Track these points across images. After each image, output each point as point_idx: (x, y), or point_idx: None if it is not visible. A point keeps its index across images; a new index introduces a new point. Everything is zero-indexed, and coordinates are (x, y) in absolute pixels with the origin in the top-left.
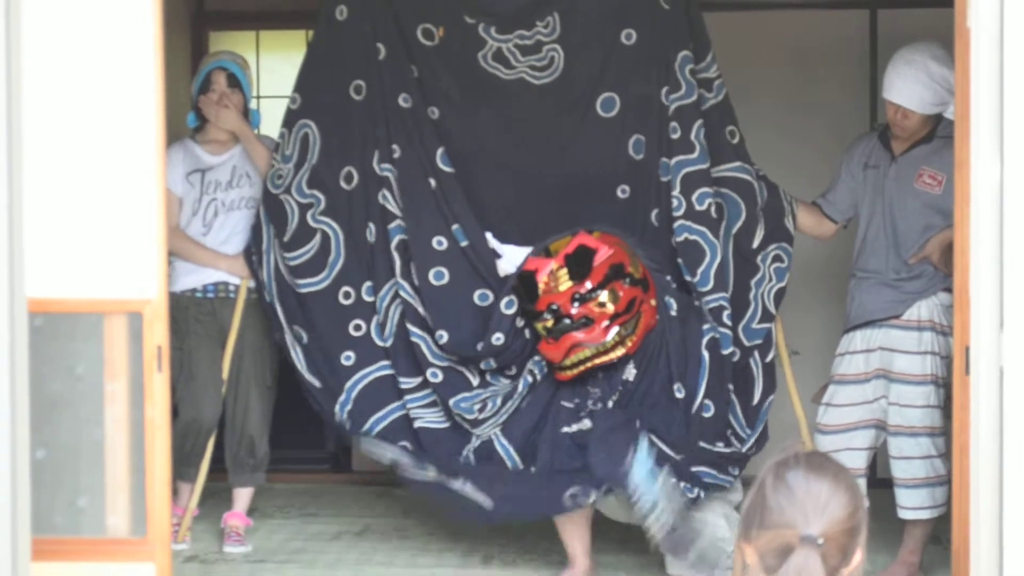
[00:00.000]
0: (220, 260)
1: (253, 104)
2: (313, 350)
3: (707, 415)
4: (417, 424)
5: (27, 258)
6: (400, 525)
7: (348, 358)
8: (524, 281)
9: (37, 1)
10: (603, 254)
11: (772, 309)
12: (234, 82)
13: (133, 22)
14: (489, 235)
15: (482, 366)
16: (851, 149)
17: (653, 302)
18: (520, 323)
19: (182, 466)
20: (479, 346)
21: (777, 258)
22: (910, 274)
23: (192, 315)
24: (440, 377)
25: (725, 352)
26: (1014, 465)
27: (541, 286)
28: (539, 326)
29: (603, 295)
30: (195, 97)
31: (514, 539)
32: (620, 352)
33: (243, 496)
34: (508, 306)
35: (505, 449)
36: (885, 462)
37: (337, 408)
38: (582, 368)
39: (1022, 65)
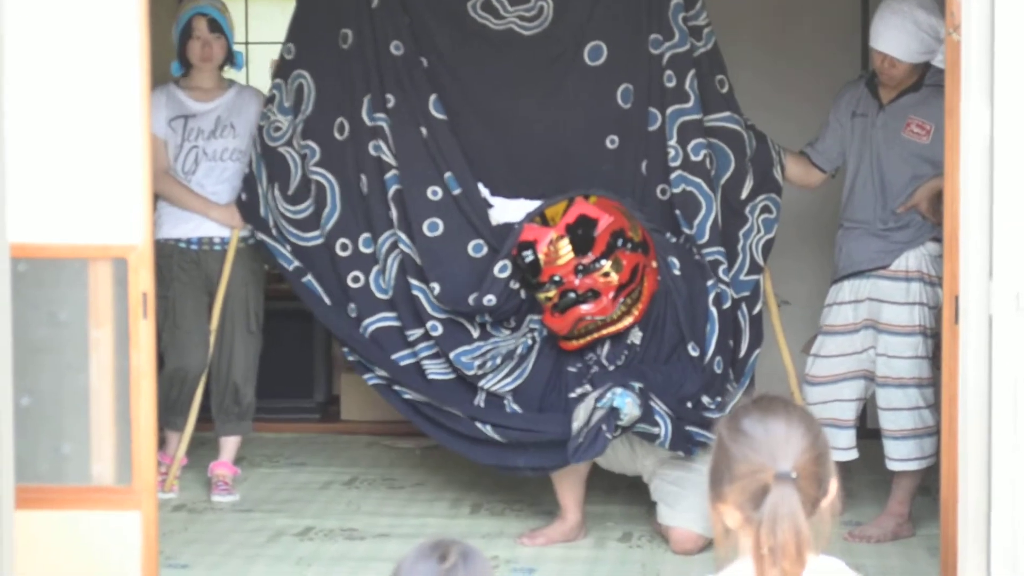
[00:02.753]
0: (211, 208)
1: (240, 48)
2: (319, 285)
3: (718, 371)
4: (429, 376)
5: (10, 203)
6: (389, 475)
7: (352, 310)
8: (526, 251)
9: None
10: (604, 223)
11: (760, 260)
12: (216, 27)
13: None
14: (480, 185)
15: (478, 320)
16: (839, 98)
17: (655, 264)
18: (514, 285)
19: (169, 415)
20: (471, 300)
21: (765, 209)
22: (898, 224)
23: (176, 263)
24: (440, 330)
25: (726, 307)
26: (1002, 414)
27: (542, 257)
28: (542, 296)
29: (607, 265)
30: (176, 43)
31: (503, 489)
32: (628, 321)
33: (230, 445)
34: (502, 270)
35: (515, 412)
36: (874, 413)
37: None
38: (590, 339)
39: (1012, 13)
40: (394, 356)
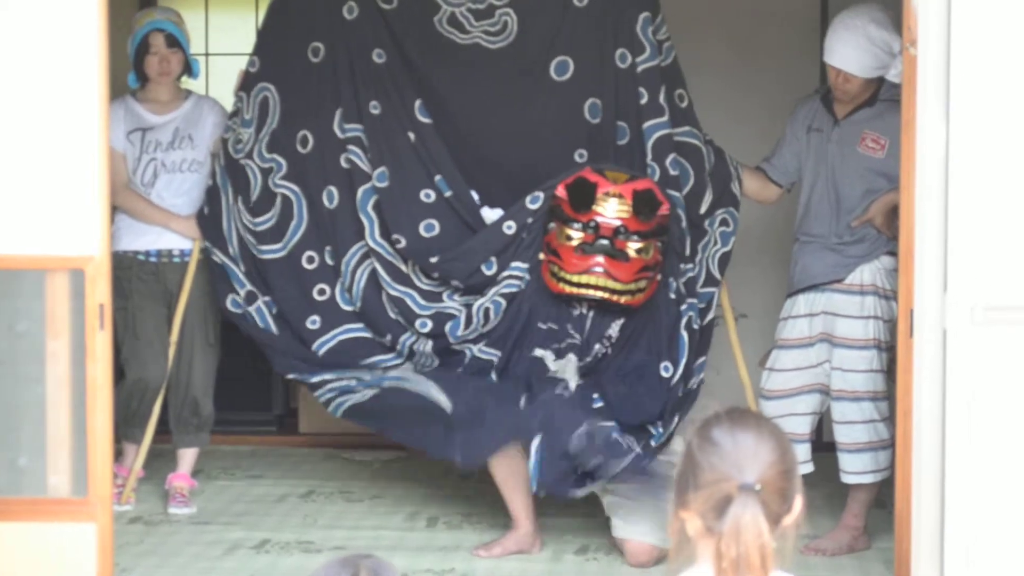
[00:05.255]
0: (172, 220)
1: (199, 58)
2: (268, 313)
3: (681, 394)
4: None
5: None
6: (346, 488)
7: (314, 322)
8: (581, 188)
9: None
10: (663, 210)
11: (717, 274)
12: (173, 42)
13: None
14: (472, 192)
15: (444, 296)
16: (794, 113)
17: (659, 277)
18: (509, 229)
19: (128, 426)
20: (433, 259)
21: (724, 222)
22: (853, 238)
23: (135, 274)
24: (429, 325)
25: (696, 327)
26: (956, 427)
27: (597, 200)
28: (568, 232)
29: (641, 244)
30: (132, 57)
31: (460, 502)
32: (625, 299)
33: (188, 457)
34: (533, 201)
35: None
36: (830, 427)
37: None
38: (585, 292)
39: (968, 28)
40: (368, 360)
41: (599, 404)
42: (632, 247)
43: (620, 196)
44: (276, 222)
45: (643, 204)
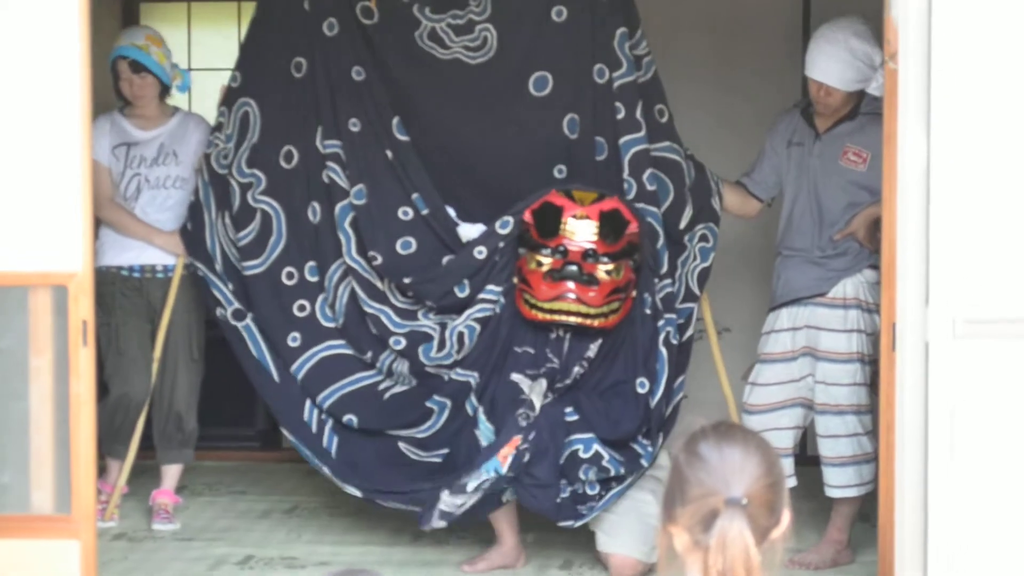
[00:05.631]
0: (155, 235)
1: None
2: (256, 330)
3: (659, 411)
4: (387, 396)
5: None
6: (330, 503)
7: (294, 339)
8: (547, 213)
9: None
10: (632, 229)
11: (696, 289)
12: (138, 67)
13: None
14: (448, 208)
15: (419, 314)
16: (774, 127)
17: (634, 293)
18: (480, 255)
19: (112, 442)
20: (407, 279)
21: (703, 238)
22: (835, 251)
23: (119, 290)
24: (403, 343)
25: (674, 342)
26: (938, 440)
27: (563, 225)
28: (538, 258)
29: (611, 265)
30: (111, 73)
31: None
32: (599, 322)
33: (171, 473)
34: (503, 226)
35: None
36: (814, 440)
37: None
38: (557, 318)
39: (949, 42)
40: (348, 379)
41: (573, 417)
42: (602, 269)
43: (587, 218)
44: (255, 237)
45: (609, 226)
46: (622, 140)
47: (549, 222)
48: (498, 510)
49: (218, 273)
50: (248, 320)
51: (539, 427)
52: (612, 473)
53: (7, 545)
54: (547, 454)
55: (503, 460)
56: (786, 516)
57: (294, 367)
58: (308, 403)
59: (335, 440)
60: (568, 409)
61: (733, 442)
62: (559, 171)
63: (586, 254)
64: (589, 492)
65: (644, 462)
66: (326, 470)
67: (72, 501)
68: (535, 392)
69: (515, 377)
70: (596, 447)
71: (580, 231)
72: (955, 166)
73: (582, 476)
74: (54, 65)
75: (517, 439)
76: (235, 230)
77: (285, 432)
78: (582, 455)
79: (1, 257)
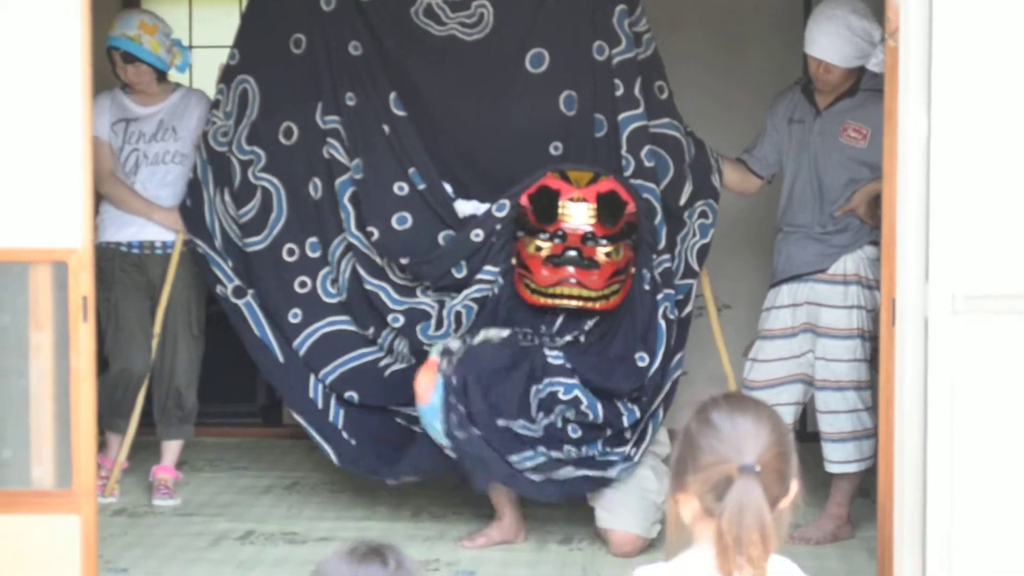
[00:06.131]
0: (154, 211)
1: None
2: (258, 307)
3: (654, 383)
4: (387, 372)
5: None
6: (330, 479)
7: (295, 315)
8: (544, 197)
9: None
10: (630, 208)
11: (695, 265)
12: (129, 58)
13: None
14: (444, 184)
15: (418, 291)
16: (774, 104)
17: (633, 270)
18: (477, 237)
19: (113, 417)
20: (441, 238)
21: (703, 214)
22: (836, 227)
23: (118, 266)
24: (401, 321)
25: (672, 318)
26: (938, 416)
27: (560, 208)
28: (537, 243)
29: (611, 247)
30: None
31: (444, 493)
32: (600, 304)
33: (172, 449)
34: (500, 209)
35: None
36: (814, 416)
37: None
38: (559, 302)
39: (949, 19)
40: (350, 355)
41: (558, 361)
42: (601, 252)
43: (584, 200)
44: (256, 214)
45: (607, 209)
46: (620, 116)
47: (546, 206)
48: (499, 486)
49: (218, 250)
50: (249, 297)
51: (479, 356)
52: (591, 418)
53: (8, 520)
54: (498, 385)
55: (423, 392)
56: (794, 485)
57: (296, 343)
58: (312, 379)
59: (341, 414)
60: (554, 353)
61: (745, 411)
62: (555, 148)
63: (585, 237)
64: (572, 435)
65: (625, 421)
66: (331, 455)
67: (72, 476)
68: (490, 334)
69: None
70: (577, 392)
71: (578, 214)
72: (956, 142)
73: (557, 419)
74: (54, 42)
75: (434, 360)
76: (236, 207)
77: (291, 411)
78: (561, 396)
79: (1, 233)
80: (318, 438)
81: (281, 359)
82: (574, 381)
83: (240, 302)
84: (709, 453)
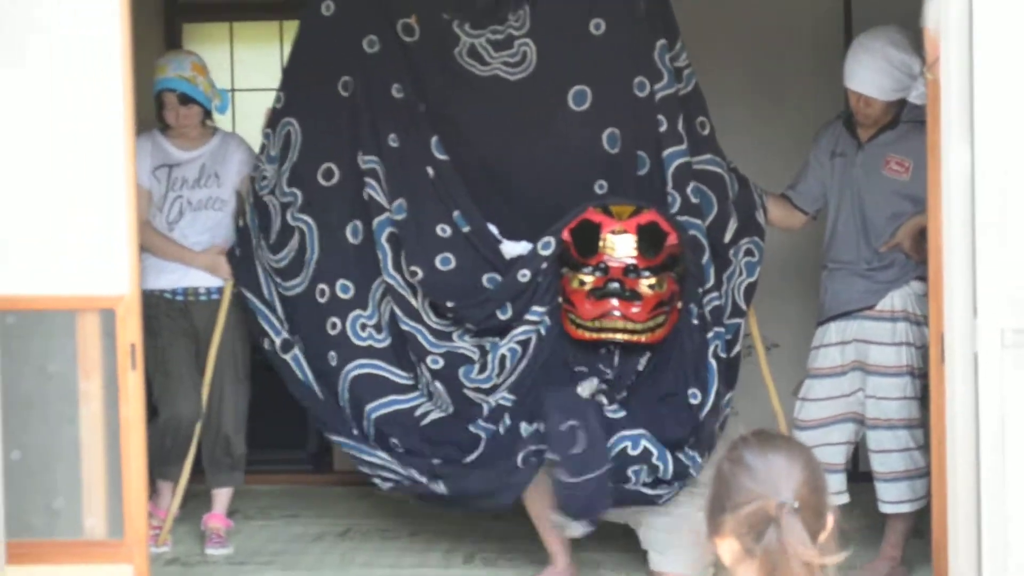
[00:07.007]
0: (193, 258)
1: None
2: (303, 355)
3: (709, 424)
4: (425, 421)
5: None
6: (382, 525)
7: (332, 358)
8: (586, 231)
9: None
10: (671, 240)
11: (742, 304)
12: (185, 99)
13: (101, 15)
14: (490, 225)
15: (455, 336)
16: (817, 138)
17: (679, 304)
18: (524, 277)
19: (163, 465)
20: (485, 280)
21: (748, 252)
22: (881, 263)
23: (164, 311)
24: (441, 363)
25: (724, 357)
26: (990, 453)
27: (602, 242)
28: (580, 277)
29: (654, 279)
30: (155, 99)
31: (496, 539)
32: (646, 337)
33: (222, 497)
34: (545, 247)
35: (515, 413)
36: (866, 456)
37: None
38: (603, 336)
39: (989, 52)
40: (381, 401)
41: (619, 415)
42: (644, 283)
43: (625, 232)
44: (295, 255)
45: (648, 240)
46: (665, 153)
47: (588, 240)
48: (549, 526)
49: (266, 300)
50: (296, 350)
51: (585, 410)
52: (661, 472)
53: (61, 571)
54: (597, 442)
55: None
56: (830, 519)
57: (339, 387)
58: (355, 421)
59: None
60: (613, 407)
61: (777, 448)
62: (600, 186)
63: (627, 269)
64: (648, 493)
65: (693, 472)
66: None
67: (124, 526)
68: (585, 388)
69: (578, 390)
70: (644, 443)
71: (620, 246)
72: (1000, 174)
73: (632, 476)
74: (98, 88)
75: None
76: (273, 252)
77: (338, 441)
78: (631, 452)
79: (49, 281)
80: (372, 453)
81: (322, 397)
82: (639, 431)
83: (287, 356)
84: (745, 493)
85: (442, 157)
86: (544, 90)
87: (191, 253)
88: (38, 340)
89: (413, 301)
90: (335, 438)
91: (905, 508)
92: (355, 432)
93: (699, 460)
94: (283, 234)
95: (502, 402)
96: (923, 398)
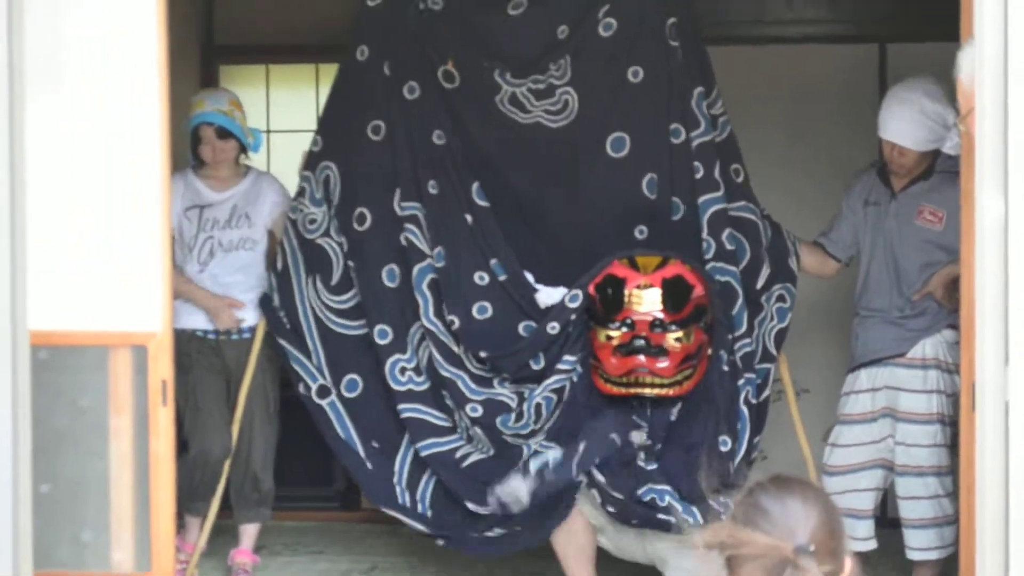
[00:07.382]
0: (198, 295)
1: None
2: (343, 408)
3: (744, 470)
4: (466, 463)
5: (32, 291)
6: (408, 563)
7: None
8: (611, 286)
9: (41, 34)
10: (697, 292)
11: (773, 350)
12: (223, 133)
13: (138, 58)
14: (526, 272)
15: (495, 383)
16: (851, 186)
17: (709, 351)
18: (553, 330)
19: (192, 500)
20: (521, 329)
21: (780, 298)
22: (913, 311)
23: (195, 348)
24: (480, 411)
25: (753, 401)
26: (1019, 503)
27: (627, 297)
28: (607, 332)
29: (681, 332)
30: (190, 134)
31: (523, 575)
32: (674, 391)
33: (249, 532)
34: (573, 300)
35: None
36: (895, 502)
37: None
38: (633, 391)
39: None
40: (420, 444)
41: (651, 467)
42: (671, 338)
43: (651, 286)
44: (358, 301)
45: (673, 295)
46: (701, 199)
47: (613, 296)
48: (580, 569)
49: (304, 345)
50: (333, 397)
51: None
52: (692, 523)
53: None
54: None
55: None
56: (848, 563)
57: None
58: (396, 480)
59: (428, 512)
60: (645, 458)
61: (792, 492)
62: (640, 232)
63: (653, 324)
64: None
65: (724, 517)
66: (418, 526)
67: (152, 560)
68: (636, 437)
69: (612, 436)
70: (669, 499)
71: (645, 301)
72: None
73: (661, 517)
74: (134, 127)
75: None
76: (335, 293)
77: (381, 507)
78: (659, 503)
79: (82, 317)
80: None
81: (365, 459)
82: (666, 488)
83: (324, 402)
84: (760, 537)
85: (482, 203)
86: (585, 137)
87: (200, 292)
88: (70, 375)
89: (455, 348)
90: (382, 507)
91: (933, 555)
92: (401, 502)
93: (731, 505)
94: (346, 276)
95: (542, 448)
96: (953, 446)
